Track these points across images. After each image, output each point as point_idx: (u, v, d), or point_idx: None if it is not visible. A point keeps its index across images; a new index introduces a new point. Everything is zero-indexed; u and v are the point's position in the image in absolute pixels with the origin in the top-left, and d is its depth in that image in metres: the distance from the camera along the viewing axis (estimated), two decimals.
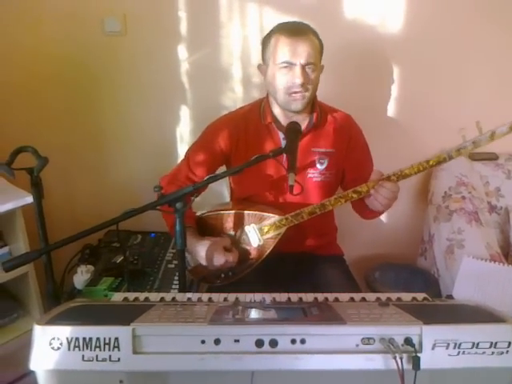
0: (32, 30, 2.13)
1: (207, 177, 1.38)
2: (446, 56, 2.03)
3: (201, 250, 1.53)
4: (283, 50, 1.50)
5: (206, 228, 1.65)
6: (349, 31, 2.03)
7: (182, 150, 2.22)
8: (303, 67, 1.49)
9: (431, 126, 2.10)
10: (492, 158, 2.12)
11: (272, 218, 1.57)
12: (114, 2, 2.07)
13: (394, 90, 2.12)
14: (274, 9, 2.03)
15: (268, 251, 1.58)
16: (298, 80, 1.49)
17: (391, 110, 2.17)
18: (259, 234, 1.57)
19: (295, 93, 1.52)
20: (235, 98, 2.18)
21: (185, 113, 2.25)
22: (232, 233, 1.62)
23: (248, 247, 1.60)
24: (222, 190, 2.12)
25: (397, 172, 1.46)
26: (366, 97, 2.12)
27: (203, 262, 1.54)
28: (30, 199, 1.71)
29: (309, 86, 1.53)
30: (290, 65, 1.50)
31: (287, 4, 2.01)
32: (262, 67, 1.63)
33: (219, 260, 1.51)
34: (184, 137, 2.29)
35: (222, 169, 1.74)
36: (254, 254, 1.60)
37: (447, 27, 1.99)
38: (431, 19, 1.99)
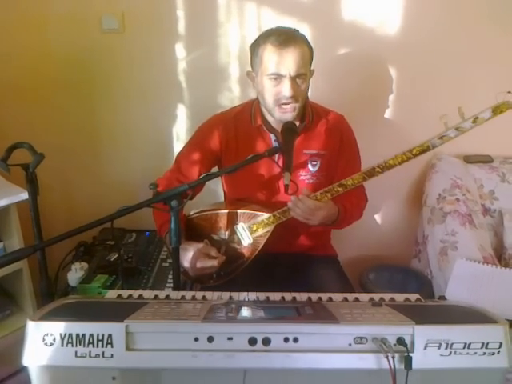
0: (30, 28, 2.12)
1: (202, 175, 1.37)
2: (443, 57, 2.04)
3: (185, 255, 1.52)
4: (271, 61, 1.46)
5: (197, 229, 1.65)
6: (346, 32, 2.04)
7: (178, 149, 2.20)
8: (293, 79, 1.46)
9: (430, 127, 2.11)
10: (487, 160, 2.13)
11: (260, 215, 1.57)
12: (112, 0, 2.07)
13: (391, 91, 2.13)
14: (271, 9, 2.03)
15: (258, 249, 1.59)
16: (288, 93, 1.46)
17: (388, 111, 2.17)
18: (249, 232, 1.58)
19: (285, 104, 1.50)
20: (232, 97, 2.18)
21: (182, 112, 2.25)
22: (222, 233, 1.62)
23: (238, 246, 1.61)
24: (218, 189, 2.12)
25: (381, 163, 1.45)
26: (362, 98, 2.12)
27: (186, 265, 1.53)
28: (24, 195, 1.71)
29: (299, 97, 1.50)
30: (278, 76, 1.46)
31: (285, 5, 2.01)
32: (251, 74, 1.59)
33: (200, 267, 1.52)
34: (180, 136, 2.29)
35: (215, 170, 1.74)
36: (244, 253, 1.61)
37: (443, 29, 2.00)
38: (428, 22, 1.99)
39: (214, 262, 1.53)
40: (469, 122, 1.34)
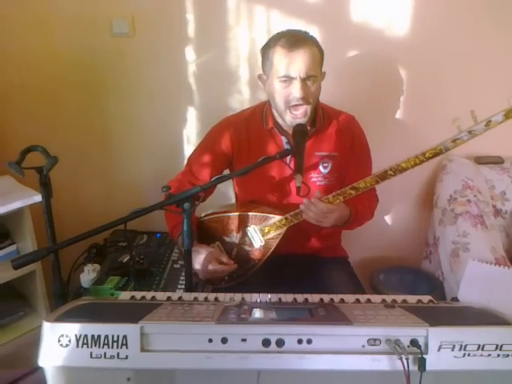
0: (41, 32, 2.14)
1: (214, 178, 1.38)
2: (453, 58, 2.03)
3: (197, 258, 1.53)
4: (281, 63, 1.47)
5: (208, 231, 1.66)
6: (355, 34, 2.03)
7: (188, 151, 2.22)
8: (303, 80, 1.46)
9: (440, 128, 2.10)
10: (498, 161, 2.12)
11: (272, 218, 1.58)
12: (122, 4, 2.08)
13: (401, 92, 2.13)
14: (280, 12, 2.03)
15: (270, 251, 1.59)
16: (298, 94, 1.46)
17: (398, 112, 2.17)
18: (260, 234, 1.58)
19: (296, 106, 1.50)
20: (242, 99, 2.19)
21: (192, 114, 2.26)
22: (234, 235, 1.62)
23: (250, 248, 1.61)
24: (228, 191, 2.13)
25: (393, 166, 1.45)
26: (372, 99, 2.12)
27: (198, 268, 1.54)
28: (38, 198, 1.72)
29: (310, 98, 1.50)
30: (289, 78, 1.47)
31: (294, 7, 2.01)
32: (262, 77, 1.60)
33: (212, 270, 1.53)
34: (191, 138, 2.30)
35: (227, 172, 1.74)
36: (256, 255, 1.61)
37: (453, 30, 1.99)
38: (438, 22, 1.99)
39: (226, 267, 1.54)
40: (481, 125, 1.33)
